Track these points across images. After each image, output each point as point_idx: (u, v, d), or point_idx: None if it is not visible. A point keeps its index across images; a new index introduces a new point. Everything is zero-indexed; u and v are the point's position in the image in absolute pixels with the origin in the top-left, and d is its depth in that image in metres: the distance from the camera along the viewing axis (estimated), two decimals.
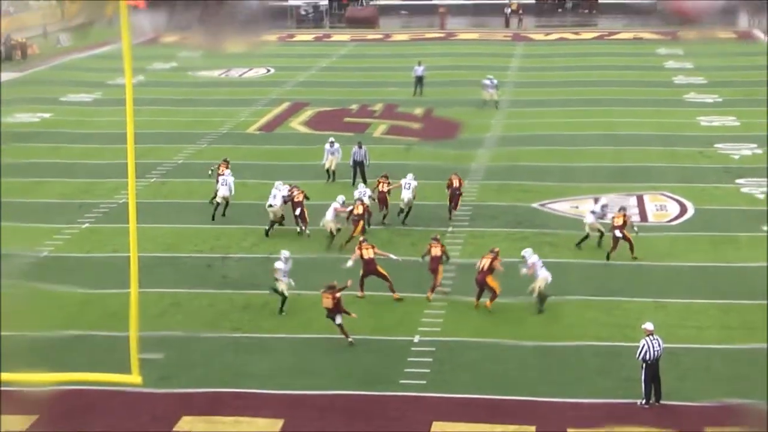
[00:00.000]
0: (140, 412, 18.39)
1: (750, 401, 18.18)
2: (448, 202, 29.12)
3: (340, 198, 27.43)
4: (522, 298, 22.74)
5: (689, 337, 21.21)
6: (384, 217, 28.85)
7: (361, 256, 23.32)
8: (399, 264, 24.14)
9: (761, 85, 46.16)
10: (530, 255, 22.92)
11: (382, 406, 18.57)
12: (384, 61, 59.55)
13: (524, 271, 22.78)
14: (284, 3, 77.63)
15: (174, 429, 17.87)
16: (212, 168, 31.17)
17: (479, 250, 25.45)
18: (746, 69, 52.26)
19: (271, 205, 27.83)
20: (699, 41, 55.07)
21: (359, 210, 27.03)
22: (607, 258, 25.71)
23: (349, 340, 20.92)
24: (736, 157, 35.86)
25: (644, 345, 18.23)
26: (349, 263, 23.40)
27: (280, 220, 28.03)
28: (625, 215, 25.91)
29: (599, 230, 26.34)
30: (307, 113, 44.96)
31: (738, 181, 32.74)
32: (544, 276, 22.53)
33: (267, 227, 27.92)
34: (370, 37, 70.85)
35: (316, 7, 79.30)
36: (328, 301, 20.78)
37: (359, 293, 23.30)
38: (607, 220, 26.42)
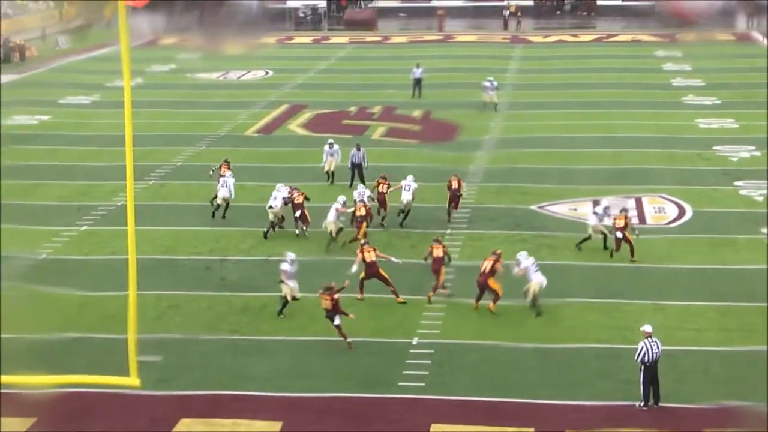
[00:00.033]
0: (139, 414, 18.38)
1: (749, 403, 18.16)
2: (447, 204, 29.12)
3: (341, 198, 27.41)
4: (522, 301, 22.70)
5: (688, 339, 21.20)
6: (383, 219, 28.84)
7: (363, 259, 23.31)
8: (398, 267, 24.09)
9: (760, 87, 46.21)
10: (525, 258, 22.76)
11: (381, 409, 18.55)
12: (382, 64, 59.56)
13: (516, 271, 22.69)
14: (283, 5, 77.65)
15: (172, 431, 17.87)
16: (213, 168, 31.17)
17: (478, 252, 25.45)
18: (745, 71, 52.28)
19: (271, 207, 27.84)
20: (697, 43, 55.05)
21: (362, 212, 27.03)
22: (611, 256, 25.78)
23: (348, 341, 20.92)
24: (735, 159, 35.87)
25: (643, 347, 18.22)
26: (354, 268, 23.30)
27: (280, 222, 28.03)
28: (626, 217, 25.94)
29: (602, 232, 26.34)
30: (306, 115, 44.92)
31: (736, 183, 32.72)
32: (538, 280, 22.39)
33: (266, 229, 27.92)
34: (368, 39, 70.87)
35: (314, 9, 79.29)
36: (326, 302, 20.78)
37: (359, 295, 23.28)
38: (609, 222, 26.40)
